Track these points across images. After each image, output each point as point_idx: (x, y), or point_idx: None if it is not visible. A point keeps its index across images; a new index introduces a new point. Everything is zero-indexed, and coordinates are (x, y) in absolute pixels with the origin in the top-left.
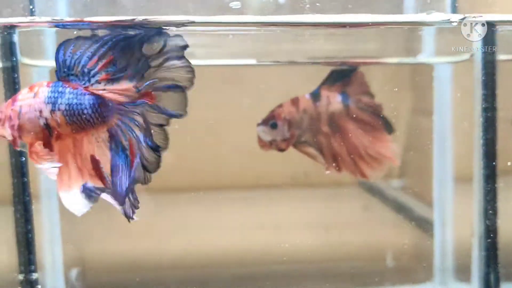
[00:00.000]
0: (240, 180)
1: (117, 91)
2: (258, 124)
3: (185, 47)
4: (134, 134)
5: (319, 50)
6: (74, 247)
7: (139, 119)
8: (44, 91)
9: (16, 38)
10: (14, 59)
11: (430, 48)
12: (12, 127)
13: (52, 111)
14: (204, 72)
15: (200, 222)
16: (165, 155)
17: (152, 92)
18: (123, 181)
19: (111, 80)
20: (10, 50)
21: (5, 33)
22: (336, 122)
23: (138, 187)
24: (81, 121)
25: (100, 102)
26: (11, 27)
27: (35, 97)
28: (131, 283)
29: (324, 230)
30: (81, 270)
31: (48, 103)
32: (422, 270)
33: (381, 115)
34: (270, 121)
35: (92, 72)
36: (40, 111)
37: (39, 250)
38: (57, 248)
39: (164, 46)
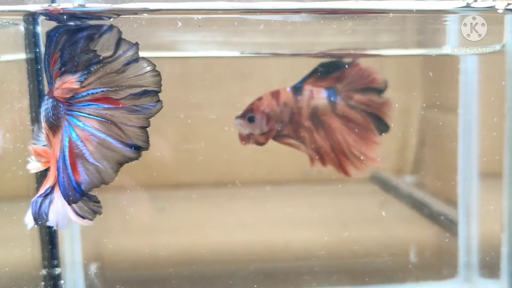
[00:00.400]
0: (252, 176)
1: (62, 86)
2: (236, 117)
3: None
4: (74, 135)
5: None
6: (93, 243)
7: (89, 121)
8: None
9: (39, 29)
10: (38, 50)
11: (455, 39)
12: None
13: (43, 120)
14: (213, 66)
15: (217, 219)
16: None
17: (121, 100)
18: (66, 181)
19: (60, 76)
20: (33, 41)
21: (29, 24)
22: (319, 117)
23: (159, 183)
24: (50, 124)
25: (55, 103)
26: (34, 18)
27: None
28: (148, 279)
29: (342, 226)
30: (100, 266)
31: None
32: (445, 267)
33: (374, 114)
34: (248, 115)
35: (50, 73)
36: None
37: (60, 246)
38: (77, 244)
39: (118, 45)
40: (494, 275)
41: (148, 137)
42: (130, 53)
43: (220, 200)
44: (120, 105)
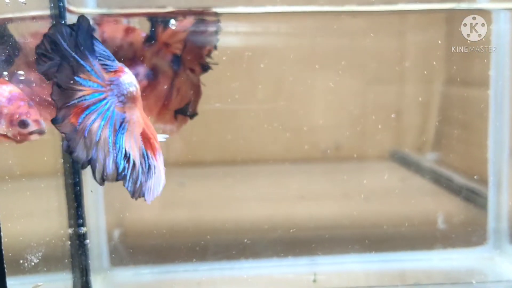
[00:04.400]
0: (273, 154)
1: None
2: None
3: None
4: None
5: None
6: (116, 211)
7: None
8: None
9: None
10: (61, 4)
11: None
12: None
13: None
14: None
15: (232, 193)
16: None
17: None
18: None
19: None
20: None
21: None
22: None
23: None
24: None
25: None
26: None
27: None
28: (170, 248)
29: (364, 200)
30: (123, 232)
31: None
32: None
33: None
34: None
35: None
36: None
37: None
38: (101, 211)
39: None
40: None
41: None
42: None
43: (241, 176)
44: None
